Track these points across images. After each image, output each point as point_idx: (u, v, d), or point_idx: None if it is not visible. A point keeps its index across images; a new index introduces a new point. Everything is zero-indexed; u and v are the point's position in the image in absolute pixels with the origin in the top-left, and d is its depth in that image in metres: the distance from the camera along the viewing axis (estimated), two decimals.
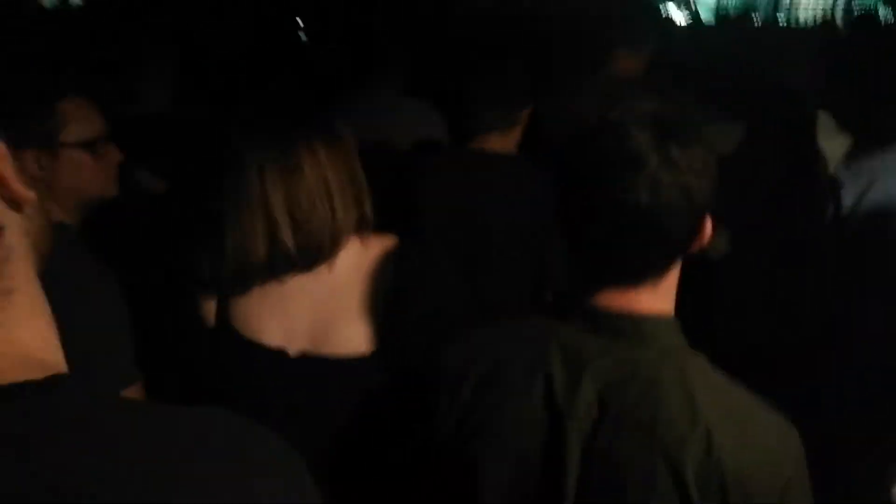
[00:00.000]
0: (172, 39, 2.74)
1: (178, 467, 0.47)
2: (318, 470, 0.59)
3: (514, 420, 0.95)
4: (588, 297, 0.96)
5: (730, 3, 11.84)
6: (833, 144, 1.98)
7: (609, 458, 0.89)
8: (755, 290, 1.37)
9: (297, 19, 5.34)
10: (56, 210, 1.38)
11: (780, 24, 7.39)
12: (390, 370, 1.29)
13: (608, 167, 0.90)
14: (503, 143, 1.87)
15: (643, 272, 0.94)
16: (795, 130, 2.43)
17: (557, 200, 0.98)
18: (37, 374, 0.48)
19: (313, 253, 1.28)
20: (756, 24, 5.18)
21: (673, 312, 0.97)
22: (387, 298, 1.31)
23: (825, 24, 5.65)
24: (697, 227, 0.94)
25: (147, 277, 1.51)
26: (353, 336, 1.31)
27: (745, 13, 7.75)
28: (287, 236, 1.25)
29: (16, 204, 0.51)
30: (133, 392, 1.31)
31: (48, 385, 0.48)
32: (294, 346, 1.32)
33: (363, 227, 1.32)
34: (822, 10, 10.18)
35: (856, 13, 7.70)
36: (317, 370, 1.30)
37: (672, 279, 0.97)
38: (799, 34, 5.00)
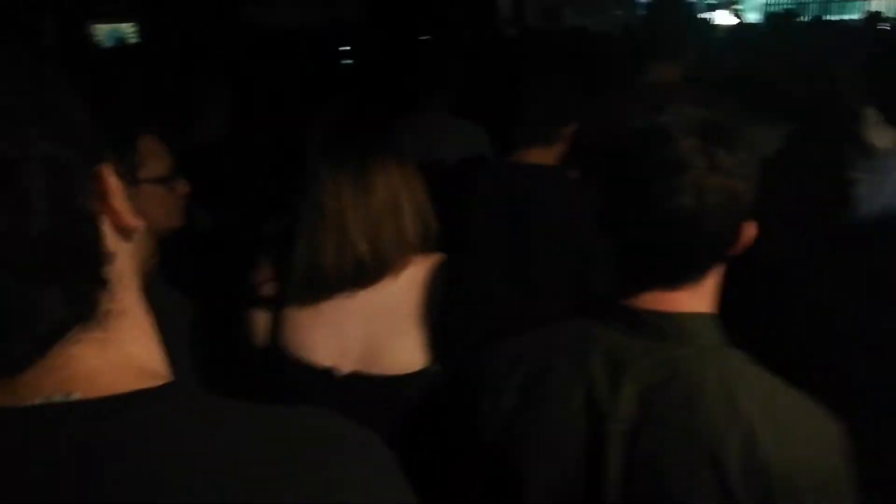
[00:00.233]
0: (226, 70, 2.87)
1: (309, 467, 0.53)
2: None
3: (556, 423, 0.97)
4: (630, 299, 0.98)
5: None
6: (882, 138, 1.95)
7: (652, 459, 0.90)
8: (799, 289, 1.37)
9: (345, 46, 5.50)
10: None
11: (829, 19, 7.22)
12: (438, 384, 1.31)
13: (654, 170, 0.91)
14: (545, 156, 1.92)
15: (685, 274, 0.96)
16: (844, 127, 2.40)
17: (601, 204, 1.00)
18: (150, 383, 0.55)
19: (382, 269, 1.31)
20: (803, 21, 5.09)
21: (714, 311, 0.98)
22: (438, 314, 1.33)
23: (870, 16, 5.50)
24: (740, 231, 0.95)
25: (210, 299, 1.57)
26: (404, 353, 1.32)
27: (790, 11, 7.62)
28: (359, 251, 1.28)
29: (126, 233, 0.57)
30: None
31: (164, 391, 0.55)
32: (346, 365, 1.34)
33: (428, 245, 1.35)
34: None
35: None
36: (366, 389, 1.31)
37: (713, 280, 0.98)
38: (845, 29, 4.89)
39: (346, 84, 4.00)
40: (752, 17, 11.12)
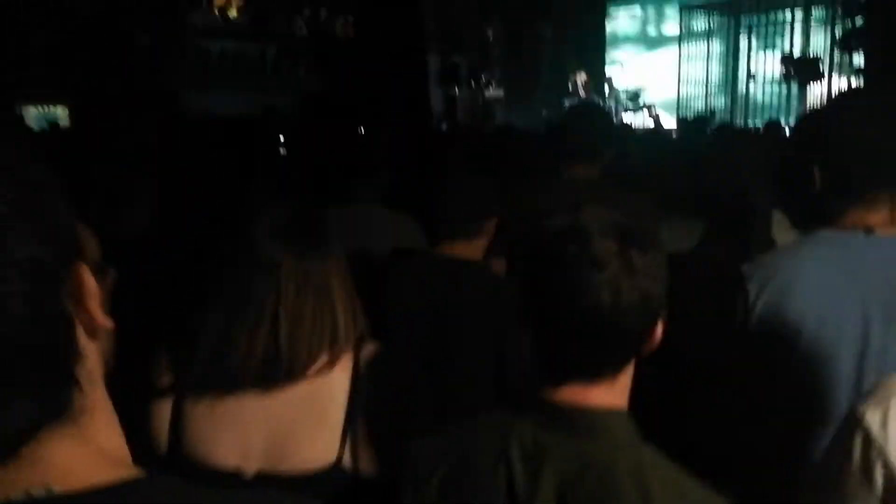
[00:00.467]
0: (156, 159, 2.86)
1: None
2: None
3: None
4: (548, 392, 1.01)
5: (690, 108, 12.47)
6: (788, 240, 2.09)
7: None
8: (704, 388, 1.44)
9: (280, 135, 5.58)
10: None
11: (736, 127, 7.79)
12: (353, 479, 1.28)
13: (572, 269, 0.95)
14: (469, 249, 1.98)
15: (600, 370, 1.00)
16: (751, 227, 2.57)
17: (520, 300, 1.03)
18: (125, 474, 0.58)
19: (296, 365, 1.27)
20: (712, 127, 5.48)
21: (626, 407, 1.02)
22: (354, 407, 1.30)
23: (770, 125, 6.00)
24: (653, 329, 1.01)
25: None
26: (312, 449, 1.28)
27: (701, 117, 8.20)
28: (278, 345, 1.25)
29: (94, 332, 0.58)
30: None
31: (141, 483, 0.58)
32: (250, 465, 1.29)
33: (350, 339, 1.32)
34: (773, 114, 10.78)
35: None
36: (276, 489, 1.23)
37: (627, 376, 1.03)
38: (752, 136, 5.28)
39: (280, 173, 4.04)
40: (670, 120, 11.86)
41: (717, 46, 12.85)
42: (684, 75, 13.03)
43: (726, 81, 12.70)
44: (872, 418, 0.89)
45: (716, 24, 12.84)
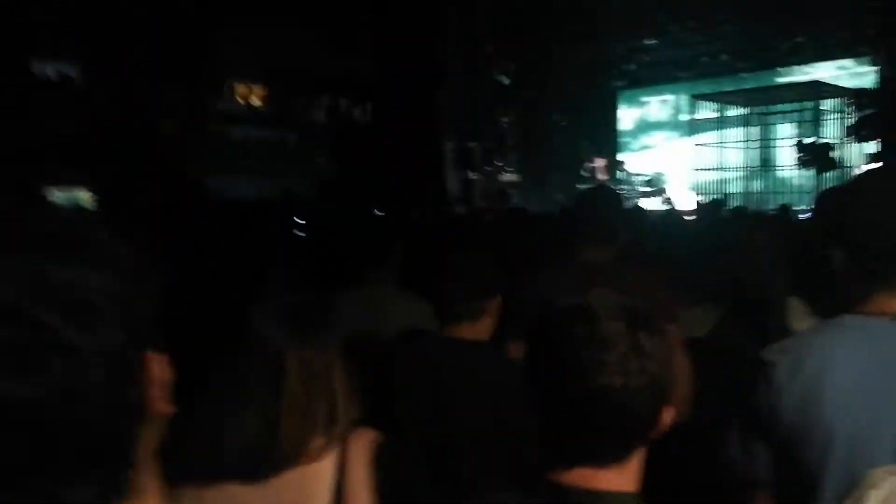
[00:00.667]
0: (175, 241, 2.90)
1: None
2: None
3: None
4: (556, 474, 0.98)
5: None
6: (803, 327, 2.06)
7: None
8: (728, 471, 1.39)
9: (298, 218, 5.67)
10: None
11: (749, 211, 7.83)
12: None
13: (582, 351, 0.94)
14: (474, 330, 1.96)
15: (609, 453, 0.98)
16: (768, 314, 2.54)
17: (528, 382, 1.02)
18: None
19: (298, 451, 1.25)
20: (726, 211, 5.50)
21: (637, 491, 0.99)
22: (356, 497, 1.27)
23: (782, 208, 6.02)
24: (660, 414, 0.98)
25: None
26: None
27: (716, 201, 8.25)
28: (283, 433, 1.24)
29: (153, 417, 0.58)
30: None
31: None
32: None
33: (351, 427, 1.31)
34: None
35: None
36: None
37: (637, 461, 1.00)
38: (767, 219, 5.28)
39: (296, 256, 4.08)
40: (686, 203, 11.95)
41: (733, 134, 13.12)
42: (700, 161, 13.25)
43: (741, 167, 12.90)
44: None
45: (732, 112, 13.17)
